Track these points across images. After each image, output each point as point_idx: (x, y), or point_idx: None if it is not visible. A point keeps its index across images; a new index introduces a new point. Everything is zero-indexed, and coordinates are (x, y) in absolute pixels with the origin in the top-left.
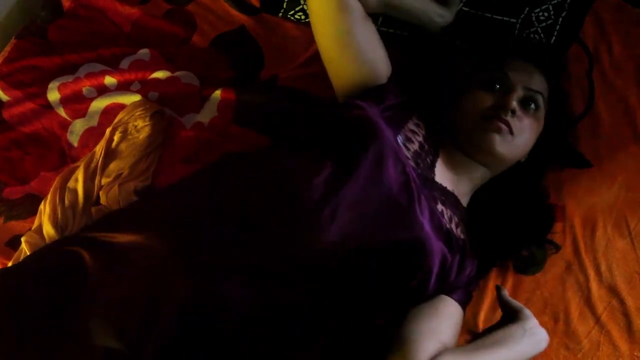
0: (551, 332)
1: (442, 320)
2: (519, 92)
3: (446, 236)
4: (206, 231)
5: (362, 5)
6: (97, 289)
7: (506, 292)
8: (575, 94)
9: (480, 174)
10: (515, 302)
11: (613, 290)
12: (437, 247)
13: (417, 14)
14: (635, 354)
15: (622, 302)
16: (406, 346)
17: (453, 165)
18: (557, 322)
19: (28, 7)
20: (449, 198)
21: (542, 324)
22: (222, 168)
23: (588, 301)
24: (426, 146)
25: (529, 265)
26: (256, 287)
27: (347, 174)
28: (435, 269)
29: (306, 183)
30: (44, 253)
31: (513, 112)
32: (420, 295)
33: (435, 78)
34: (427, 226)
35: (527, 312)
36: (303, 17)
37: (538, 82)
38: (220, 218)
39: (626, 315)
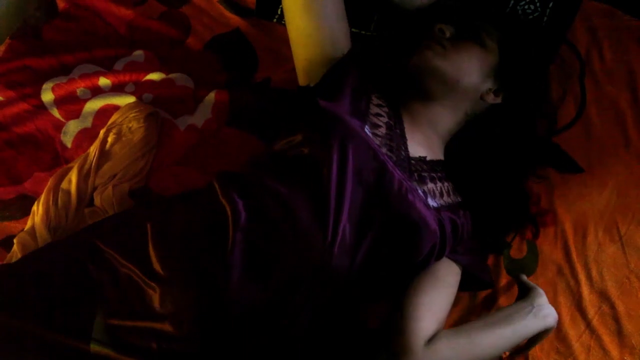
0: None
1: (440, 291)
2: (457, 27)
3: (437, 211)
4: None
5: None
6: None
7: (525, 277)
8: (567, 99)
9: (441, 118)
10: (529, 282)
11: (604, 295)
12: (431, 221)
13: None
14: (625, 358)
15: (612, 306)
16: (406, 328)
17: (417, 124)
18: None
19: (22, 7)
20: (432, 167)
21: None
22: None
23: (579, 305)
24: (392, 122)
25: (521, 268)
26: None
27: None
28: (436, 243)
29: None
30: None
31: (441, 31)
32: (423, 268)
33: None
34: (418, 205)
35: (540, 290)
36: None
37: (487, 27)
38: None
39: (616, 320)
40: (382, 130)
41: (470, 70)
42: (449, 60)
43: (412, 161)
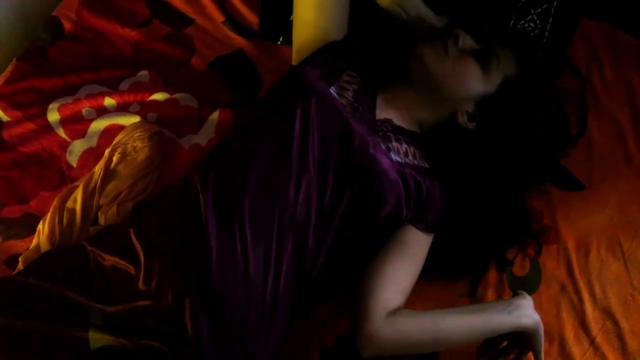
0: (546, 354)
1: (405, 261)
2: (476, 43)
3: (399, 166)
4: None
5: None
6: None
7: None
8: (568, 117)
9: (415, 105)
10: (523, 292)
11: (607, 312)
12: (392, 172)
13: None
14: None
15: (616, 324)
16: (367, 296)
17: (391, 102)
18: (552, 343)
19: (30, 28)
20: (397, 130)
21: None
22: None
23: (582, 323)
24: (362, 93)
25: (524, 285)
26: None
27: (288, 135)
28: (400, 196)
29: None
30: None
31: (456, 38)
32: (393, 228)
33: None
34: (379, 157)
35: (525, 294)
36: None
37: (505, 54)
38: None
39: (620, 337)
40: (350, 94)
41: (457, 85)
42: (443, 65)
43: (378, 122)
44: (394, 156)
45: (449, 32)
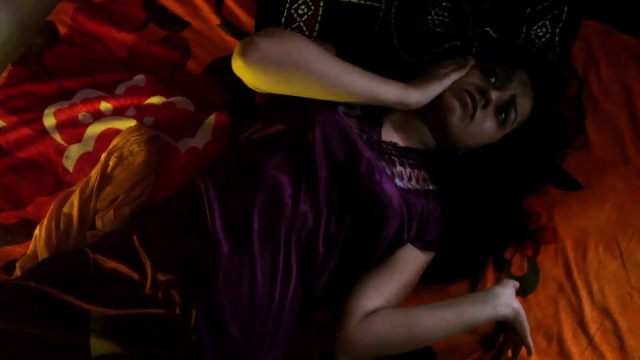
0: (545, 353)
1: (394, 276)
2: (505, 96)
3: (404, 192)
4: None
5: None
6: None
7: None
8: (566, 117)
9: (423, 131)
10: (506, 279)
11: (605, 311)
12: (395, 198)
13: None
14: None
15: (614, 322)
16: (346, 304)
17: (401, 126)
18: (550, 342)
19: (25, 33)
20: (403, 153)
21: (536, 344)
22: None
23: (581, 322)
24: (368, 113)
25: (522, 285)
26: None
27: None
28: (404, 218)
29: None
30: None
31: (486, 103)
32: (395, 247)
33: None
34: (385, 183)
35: (506, 281)
36: None
37: (525, 104)
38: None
39: (619, 336)
40: (356, 113)
41: (472, 141)
42: (464, 129)
43: (383, 145)
44: (398, 182)
45: (484, 87)
